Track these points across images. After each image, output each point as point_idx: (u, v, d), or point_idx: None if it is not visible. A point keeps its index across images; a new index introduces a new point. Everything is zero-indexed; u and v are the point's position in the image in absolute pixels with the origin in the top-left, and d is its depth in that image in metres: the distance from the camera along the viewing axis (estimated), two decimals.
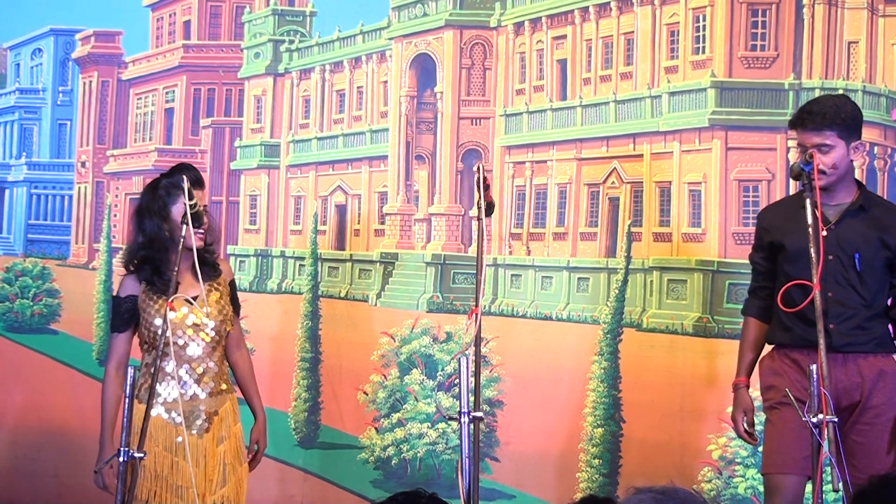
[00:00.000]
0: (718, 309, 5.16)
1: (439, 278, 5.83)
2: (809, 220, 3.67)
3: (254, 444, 4.22)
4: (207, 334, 4.06)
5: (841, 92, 5.07)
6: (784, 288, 3.85)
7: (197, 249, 3.98)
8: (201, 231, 3.99)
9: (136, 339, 4.15)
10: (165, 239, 4.04)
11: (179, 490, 3.98)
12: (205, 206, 4.07)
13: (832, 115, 3.89)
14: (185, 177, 3.96)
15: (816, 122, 3.90)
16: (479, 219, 3.78)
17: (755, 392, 4.14)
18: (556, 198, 5.63)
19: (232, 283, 4.24)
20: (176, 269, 3.86)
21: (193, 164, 4.20)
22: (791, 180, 5.11)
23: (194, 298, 4.02)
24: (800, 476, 3.88)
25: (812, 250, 3.65)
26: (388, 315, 5.86)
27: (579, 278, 5.53)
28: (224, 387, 4.12)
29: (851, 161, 3.95)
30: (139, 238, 4.09)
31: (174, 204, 4.03)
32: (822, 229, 3.85)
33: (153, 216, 4.06)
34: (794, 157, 4.95)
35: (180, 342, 4.03)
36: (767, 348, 4.11)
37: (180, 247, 3.88)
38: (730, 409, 4.19)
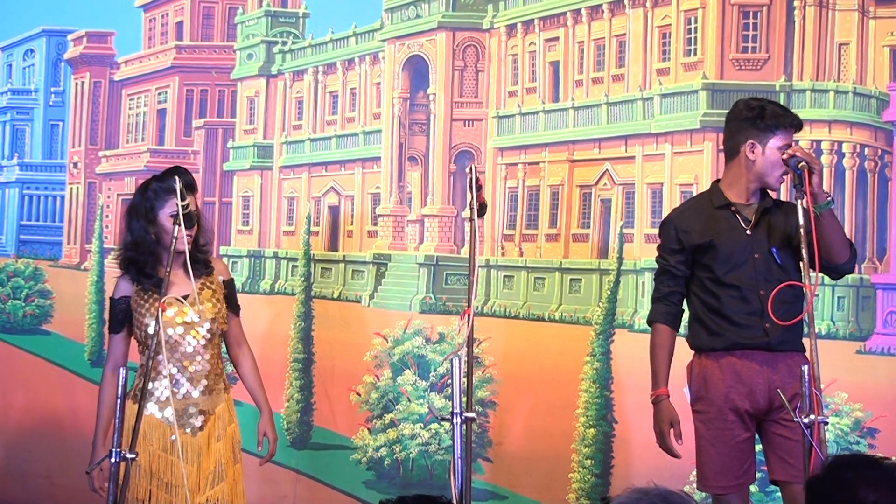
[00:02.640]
0: None
1: (432, 279, 5.84)
2: (801, 219, 3.69)
3: (262, 436, 4.22)
4: (199, 332, 4.06)
5: (832, 93, 5.11)
6: (776, 289, 3.84)
7: (183, 250, 3.97)
8: (189, 233, 3.99)
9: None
10: (150, 242, 4.05)
11: (175, 489, 3.99)
12: (196, 208, 4.07)
13: None
14: (177, 178, 3.96)
15: (800, 123, 4.03)
16: (471, 220, 3.78)
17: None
18: (549, 199, 5.65)
19: (229, 283, 4.24)
20: (168, 270, 3.87)
21: (186, 166, 4.21)
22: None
23: (185, 297, 4.02)
24: (742, 491, 3.98)
25: (804, 252, 3.67)
26: (380, 316, 5.87)
27: (571, 279, 5.55)
28: (220, 386, 4.12)
29: None
30: (127, 238, 4.11)
31: (161, 208, 4.04)
32: (747, 229, 3.95)
33: (140, 218, 4.07)
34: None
35: (171, 340, 4.03)
36: (687, 354, 4.08)
37: (172, 248, 3.88)
38: None
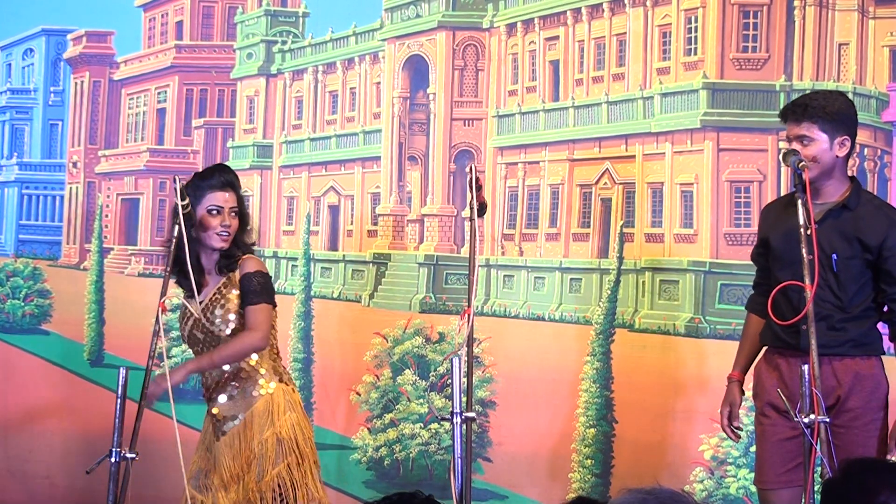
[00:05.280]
0: (710, 309, 5.17)
1: (432, 279, 5.84)
2: (801, 219, 3.68)
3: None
4: (217, 336, 4.13)
5: None
6: (777, 289, 3.84)
7: (220, 248, 4.07)
8: (225, 232, 4.06)
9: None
10: (191, 240, 4.07)
11: (206, 491, 4.09)
12: (232, 207, 4.11)
13: (814, 108, 3.86)
14: (176, 177, 3.99)
15: (797, 113, 3.89)
16: (471, 219, 3.79)
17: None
18: (549, 198, 5.64)
19: (245, 278, 4.13)
20: (189, 268, 3.94)
21: (186, 166, 4.24)
22: (782, 181, 5.14)
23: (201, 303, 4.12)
24: (790, 489, 3.89)
25: (804, 251, 3.66)
26: (380, 316, 5.86)
27: (571, 279, 5.54)
28: (254, 386, 4.13)
29: (838, 157, 3.89)
30: (170, 238, 4.15)
31: (199, 204, 4.09)
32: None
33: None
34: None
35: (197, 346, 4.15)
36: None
37: (186, 248, 3.93)
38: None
